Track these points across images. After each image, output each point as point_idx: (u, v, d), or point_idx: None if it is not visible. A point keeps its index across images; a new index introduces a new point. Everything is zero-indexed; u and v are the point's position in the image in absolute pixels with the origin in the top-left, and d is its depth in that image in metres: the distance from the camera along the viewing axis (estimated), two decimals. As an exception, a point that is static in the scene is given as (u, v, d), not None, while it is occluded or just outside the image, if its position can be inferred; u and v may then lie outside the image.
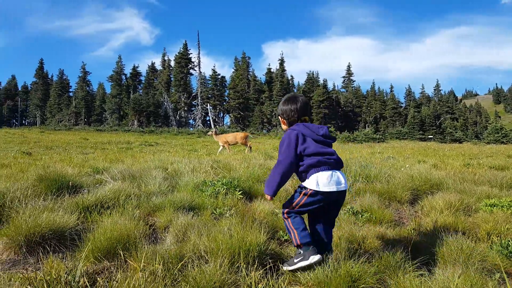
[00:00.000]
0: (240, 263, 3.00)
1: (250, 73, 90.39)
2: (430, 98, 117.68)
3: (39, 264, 3.20)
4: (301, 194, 3.05)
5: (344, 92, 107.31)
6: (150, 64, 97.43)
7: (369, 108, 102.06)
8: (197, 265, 2.94)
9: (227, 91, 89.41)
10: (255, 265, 3.01)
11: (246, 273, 2.88)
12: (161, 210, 4.53)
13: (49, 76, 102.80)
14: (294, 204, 3.08)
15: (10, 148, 16.73)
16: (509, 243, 3.66)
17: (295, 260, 3.02)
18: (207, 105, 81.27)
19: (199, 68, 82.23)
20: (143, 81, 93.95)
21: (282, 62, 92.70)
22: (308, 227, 3.18)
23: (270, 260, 3.20)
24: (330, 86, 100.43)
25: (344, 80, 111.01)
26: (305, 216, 3.27)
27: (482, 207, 5.27)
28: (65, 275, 2.67)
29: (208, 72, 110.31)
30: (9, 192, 4.56)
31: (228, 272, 2.88)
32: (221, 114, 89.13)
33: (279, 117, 3.33)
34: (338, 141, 43.78)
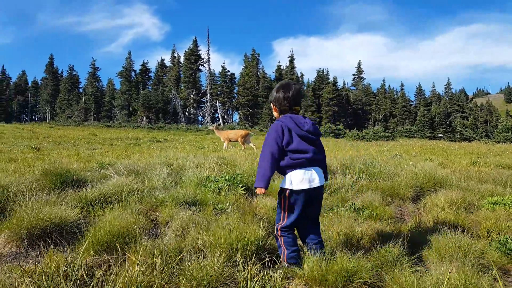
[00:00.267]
0: (238, 257, 3.03)
1: (260, 70, 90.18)
2: (440, 97, 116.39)
3: (40, 257, 3.26)
4: (282, 200, 3.13)
5: (354, 90, 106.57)
6: (159, 60, 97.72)
7: (379, 106, 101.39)
8: (195, 259, 2.96)
9: (236, 88, 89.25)
10: (253, 259, 3.02)
11: (243, 267, 2.91)
12: (163, 205, 4.58)
13: (59, 72, 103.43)
14: (282, 214, 3.14)
15: (19, 143, 16.90)
16: (508, 240, 3.65)
17: (281, 267, 3.13)
18: (216, 102, 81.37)
19: (209, 64, 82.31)
20: (153, 78, 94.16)
21: (292, 59, 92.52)
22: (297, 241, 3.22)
23: (267, 255, 3.23)
24: (340, 83, 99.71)
25: (354, 77, 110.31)
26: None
27: (485, 205, 5.27)
28: (64, 268, 2.72)
29: (217, 69, 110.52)
30: (14, 186, 4.65)
31: (225, 266, 2.91)
32: (230, 111, 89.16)
33: (271, 104, 3.34)
34: (346, 139, 43.68)
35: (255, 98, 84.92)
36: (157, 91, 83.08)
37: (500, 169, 9.79)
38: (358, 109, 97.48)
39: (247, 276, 2.79)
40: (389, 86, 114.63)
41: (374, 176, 6.88)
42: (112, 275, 2.65)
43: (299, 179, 3.03)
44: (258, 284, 2.73)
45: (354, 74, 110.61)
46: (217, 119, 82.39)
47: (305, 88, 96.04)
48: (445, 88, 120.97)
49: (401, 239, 3.90)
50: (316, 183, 3.08)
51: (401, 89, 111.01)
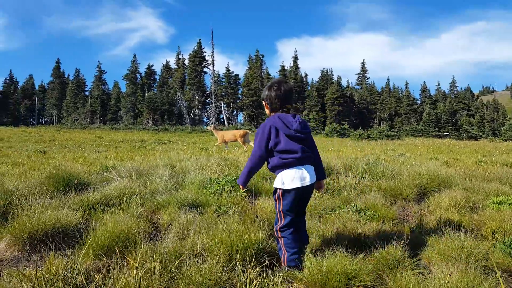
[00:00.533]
0: (237, 261, 3.01)
1: (264, 70, 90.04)
2: (446, 95, 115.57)
3: (41, 261, 3.26)
4: (277, 200, 3.18)
5: (358, 89, 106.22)
6: (164, 62, 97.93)
7: (383, 105, 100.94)
8: (194, 263, 2.95)
9: (241, 89, 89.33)
10: (252, 263, 3.01)
11: (243, 271, 2.90)
12: (165, 207, 4.57)
13: (66, 75, 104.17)
14: (279, 214, 3.19)
15: (26, 146, 17.01)
16: (512, 241, 3.60)
17: (281, 270, 3.15)
18: (220, 103, 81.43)
19: (213, 66, 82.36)
20: (158, 80, 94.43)
21: (295, 59, 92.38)
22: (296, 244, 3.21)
23: (267, 258, 3.21)
24: (344, 83, 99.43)
25: (359, 77, 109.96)
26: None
27: (490, 205, 5.20)
28: (64, 272, 2.72)
29: (222, 70, 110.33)
30: (17, 190, 4.66)
31: (224, 269, 2.90)
32: (235, 112, 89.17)
33: (262, 101, 3.38)
34: (351, 138, 43.54)
35: (259, 98, 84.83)
36: (162, 93, 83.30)
37: (507, 167, 9.72)
38: (363, 108, 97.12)
39: (246, 280, 2.77)
40: (393, 85, 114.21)
41: (377, 176, 6.83)
42: (110, 279, 2.65)
43: (290, 178, 3.06)
44: (257, 288, 2.72)
45: (358, 74, 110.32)
46: (221, 120, 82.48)
47: (309, 88, 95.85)
48: (450, 86, 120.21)
49: (403, 241, 3.87)
50: (308, 181, 3.10)
51: (406, 87, 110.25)
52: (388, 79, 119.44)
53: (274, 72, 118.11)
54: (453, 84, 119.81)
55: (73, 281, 2.67)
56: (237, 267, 2.95)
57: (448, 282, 2.71)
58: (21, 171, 6.89)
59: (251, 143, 16.62)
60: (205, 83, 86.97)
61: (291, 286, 2.97)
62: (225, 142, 16.84)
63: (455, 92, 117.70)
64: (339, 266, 2.89)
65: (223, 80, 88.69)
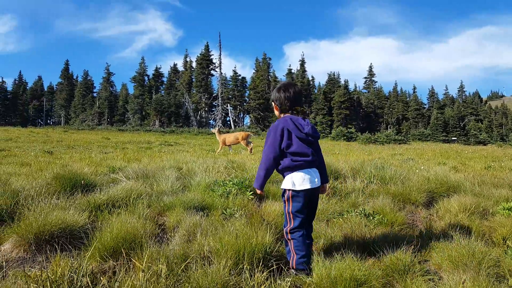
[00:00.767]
0: (244, 265, 2.97)
1: (271, 74, 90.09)
2: (454, 99, 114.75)
3: (47, 262, 3.24)
4: (286, 201, 3.19)
5: (365, 93, 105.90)
6: (172, 65, 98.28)
7: (391, 109, 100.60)
8: (200, 266, 2.92)
9: (248, 91, 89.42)
10: (260, 267, 2.97)
11: (250, 275, 2.86)
12: (171, 209, 4.54)
13: (74, 77, 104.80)
14: (288, 216, 3.18)
15: (33, 147, 17.10)
16: (524, 248, 3.53)
17: (289, 275, 3.12)
18: (227, 106, 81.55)
19: (220, 69, 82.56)
20: (165, 82, 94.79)
21: (303, 62, 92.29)
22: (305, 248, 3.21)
23: (275, 262, 3.16)
24: (351, 87, 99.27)
25: (366, 80, 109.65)
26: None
27: (500, 211, 5.12)
28: (69, 274, 2.70)
29: (229, 73, 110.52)
30: (24, 190, 4.65)
31: (231, 273, 2.86)
32: (241, 115, 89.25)
33: (272, 102, 3.43)
34: (358, 142, 43.40)
35: (266, 101, 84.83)
36: (169, 95, 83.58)
37: None
38: (370, 112, 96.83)
39: (253, 285, 2.74)
40: (401, 89, 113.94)
41: (385, 181, 6.75)
42: (117, 282, 2.62)
43: (301, 180, 3.10)
44: (264, 292, 2.68)
45: (365, 77, 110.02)
46: (228, 122, 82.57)
47: (316, 91, 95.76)
48: (458, 90, 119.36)
49: (412, 246, 3.82)
50: (317, 183, 3.18)
51: (414, 92, 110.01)
52: (395, 83, 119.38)
53: (281, 75, 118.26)
54: (461, 88, 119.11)
55: (79, 283, 2.64)
56: (245, 271, 2.91)
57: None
58: (28, 171, 6.91)
59: (249, 147, 16.57)
60: (212, 86, 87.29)
61: (299, 291, 2.92)
62: (228, 145, 16.80)
63: (463, 96, 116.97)
64: (348, 271, 2.84)
65: (230, 82, 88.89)
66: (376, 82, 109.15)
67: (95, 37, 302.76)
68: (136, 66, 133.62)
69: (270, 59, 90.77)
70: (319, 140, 3.37)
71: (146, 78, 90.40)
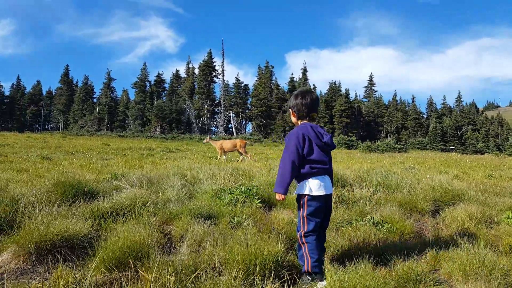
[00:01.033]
0: (256, 275, 2.85)
1: (273, 81, 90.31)
2: (451, 109, 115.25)
3: (48, 273, 3.09)
4: (302, 206, 3.22)
5: (366, 102, 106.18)
6: (174, 71, 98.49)
7: (390, 118, 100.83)
8: (210, 277, 2.81)
9: (250, 99, 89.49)
10: (271, 278, 2.89)
11: (262, 286, 2.74)
12: (177, 218, 4.40)
13: (74, 82, 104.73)
14: (302, 220, 3.20)
15: (31, 153, 16.90)
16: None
17: (303, 283, 3.13)
18: (229, 113, 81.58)
19: (223, 76, 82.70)
20: (167, 88, 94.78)
21: (305, 71, 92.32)
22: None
23: (287, 272, 3.08)
24: (352, 95, 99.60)
25: (366, 90, 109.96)
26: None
27: (504, 219, 5.11)
28: (73, 286, 2.55)
29: (231, 80, 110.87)
30: (24, 197, 4.49)
31: (242, 284, 2.74)
32: (244, 122, 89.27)
33: (289, 109, 3.48)
34: (359, 150, 43.40)
35: (268, 109, 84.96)
36: (171, 101, 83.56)
37: None
38: (370, 120, 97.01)
39: (266, 297, 2.60)
40: (400, 98, 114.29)
41: (391, 189, 6.72)
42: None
43: (317, 186, 3.16)
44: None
45: (366, 86, 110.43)
46: (230, 129, 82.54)
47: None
48: (456, 100, 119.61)
49: (423, 256, 3.80)
50: (331, 190, 3.29)
51: (413, 101, 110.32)
52: (395, 93, 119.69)
53: (283, 83, 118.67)
54: (458, 98, 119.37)
55: (83, 297, 2.49)
56: (256, 282, 2.83)
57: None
58: (26, 178, 6.76)
59: (248, 155, 16.41)
60: (215, 93, 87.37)
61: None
62: (224, 152, 16.62)
63: (461, 106, 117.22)
64: (361, 281, 2.77)
65: (233, 90, 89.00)
66: (376, 91, 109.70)
67: (96, 42, 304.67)
68: (137, 72, 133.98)
69: (272, 67, 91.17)
70: None
71: (147, 84, 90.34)
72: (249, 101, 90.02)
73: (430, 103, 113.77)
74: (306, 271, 3.11)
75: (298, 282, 3.08)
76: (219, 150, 16.57)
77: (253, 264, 2.97)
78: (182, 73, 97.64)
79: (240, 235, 3.75)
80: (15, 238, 3.40)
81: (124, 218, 4.20)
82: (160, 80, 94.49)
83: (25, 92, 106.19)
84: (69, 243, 3.42)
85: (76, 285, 2.59)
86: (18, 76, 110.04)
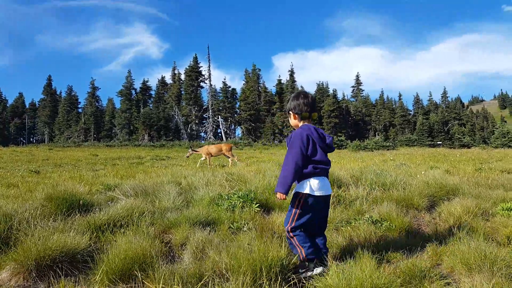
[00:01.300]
0: (263, 280, 2.82)
1: (261, 84, 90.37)
2: (437, 105, 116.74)
3: (50, 289, 3.03)
4: (297, 202, 3.23)
5: (353, 101, 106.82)
6: (160, 78, 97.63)
7: (378, 116, 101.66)
8: (217, 284, 2.79)
9: (238, 103, 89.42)
10: (278, 281, 2.87)
11: (270, 291, 2.72)
12: (176, 226, 4.36)
13: (58, 93, 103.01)
14: (292, 216, 3.23)
15: (18, 167, 16.61)
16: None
17: (301, 270, 3.21)
18: (218, 118, 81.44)
19: (210, 81, 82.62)
20: (153, 95, 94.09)
21: (292, 73, 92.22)
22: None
23: (294, 275, 3.07)
24: (339, 95, 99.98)
25: (353, 89, 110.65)
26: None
27: (499, 211, 5.24)
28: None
29: (218, 85, 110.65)
30: (17, 213, 4.39)
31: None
32: (233, 126, 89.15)
33: (290, 112, 3.46)
34: (348, 149, 43.70)
35: (257, 112, 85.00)
36: (158, 108, 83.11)
37: (506, 174, 10.07)
38: (358, 120, 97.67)
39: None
40: (387, 96, 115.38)
41: (386, 187, 6.79)
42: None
43: (318, 186, 3.19)
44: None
45: (353, 86, 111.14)
46: (219, 134, 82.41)
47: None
48: (441, 96, 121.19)
49: (424, 251, 3.87)
50: (330, 191, 3.33)
51: (399, 99, 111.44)
52: (382, 91, 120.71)
53: (271, 85, 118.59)
54: (444, 94, 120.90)
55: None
56: (264, 286, 2.81)
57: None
58: (16, 193, 6.66)
59: (235, 158, 16.35)
60: (202, 98, 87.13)
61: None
62: (211, 156, 16.50)
63: (446, 102, 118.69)
64: (368, 280, 2.75)
65: (220, 94, 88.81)
66: (364, 90, 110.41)
67: (78, 51, 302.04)
68: (122, 80, 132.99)
69: (259, 70, 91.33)
70: None
71: (133, 91, 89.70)
72: (237, 105, 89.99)
73: (417, 100, 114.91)
74: (302, 259, 3.19)
75: (306, 285, 3.05)
76: (206, 156, 16.44)
77: (259, 269, 2.93)
78: (168, 79, 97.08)
79: (242, 240, 3.74)
80: (13, 255, 3.31)
81: (122, 230, 4.14)
82: (145, 87, 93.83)
83: (7, 105, 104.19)
84: (69, 257, 3.35)
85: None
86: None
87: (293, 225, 3.21)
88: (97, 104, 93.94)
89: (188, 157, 17.30)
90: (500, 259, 3.23)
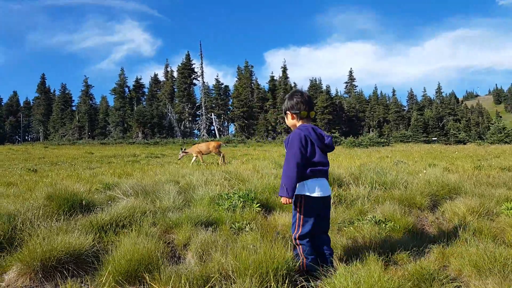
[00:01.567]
0: (271, 283, 2.83)
1: (253, 81, 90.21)
2: (432, 101, 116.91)
3: (56, 290, 3.06)
4: (298, 207, 3.21)
5: (347, 97, 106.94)
6: (152, 75, 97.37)
7: (372, 112, 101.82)
8: (224, 286, 2.81)
9: (231, 100, 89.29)
10: (286, 284, 2.86)
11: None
12: (178, 226, 4.37)
13: (51, 91, 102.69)
14: (297, 222, 3.21)
15: (15, 165, 16.59)
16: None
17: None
18: (211, 115, 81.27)
19: (202, 78, 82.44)
20: (146, 93, 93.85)
21: (285, 69, 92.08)
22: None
23: (302, 278, 3.07)
24: (333, 92, 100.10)
25: (347, 85, 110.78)
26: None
27: (504, 211, 5.12)
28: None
29: (211, 82, 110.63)
30: (20, 213, 4.40)
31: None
32: (226, 123, 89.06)
33: (287, 112, 3.40)
34: (343, 146, 43.68)
35: (250, 109, 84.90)
36: (151, 106, 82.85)
37: (507, 171, 9.86)
38: (352, 116, 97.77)
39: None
40: (381, 92, 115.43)
41: (387, 186, 6.71)
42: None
43: (316, 187, 3.16)
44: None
45: (346, 82, 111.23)
46: (212, 131, 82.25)
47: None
48: (436, 92, 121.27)
49: (430, 253, 3.80)
50: (329, 192, 3.28)
51: (393, 94, 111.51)
52: (375, 87, 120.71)
53: (264, 82, 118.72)
54: (438, 90, 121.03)
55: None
56: None
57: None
58: (16, 192, 6.64)
59: (221, 156, 16.33)
60: (195, 95, 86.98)
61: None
62: (202, 155, 16.46)
63: (441, 97, 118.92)
64: (377, 284, 2.73)
65: (213, 91, 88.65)
66: (357, 86, 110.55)
67: (71, 49, 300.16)
68: (115, 78, 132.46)
69: (252, 66, 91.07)
70: None
71: (126, 89, 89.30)
72: (230, 102, 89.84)
73: (411, 96, 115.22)
74: (301, 269, 3.17)
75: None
76: (198, 154, 16.40)
77: (265, 272, 2.92)
78: (161, 77, 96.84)
79: (245, 241, 3.74)
80: (19, 256, 3.33)
81: (125, 230, 4.16)
82: (139, 85, 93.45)
83: (2, 103, 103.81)
84: (74, 258, 3.36)
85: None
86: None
87: (299, 232, 3.19)
88: (90, 102, 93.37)
89: (181, 158, 17.14)
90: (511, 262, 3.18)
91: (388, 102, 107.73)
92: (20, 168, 14.33)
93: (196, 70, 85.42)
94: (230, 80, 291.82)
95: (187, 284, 2.76)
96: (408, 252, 3.75)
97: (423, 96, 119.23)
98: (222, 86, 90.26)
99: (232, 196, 5.36)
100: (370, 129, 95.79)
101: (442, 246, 3.91)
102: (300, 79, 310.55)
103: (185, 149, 17.16)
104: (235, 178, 7.04)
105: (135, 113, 76.78)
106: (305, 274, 3.12)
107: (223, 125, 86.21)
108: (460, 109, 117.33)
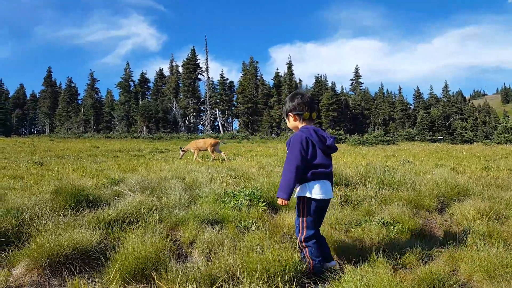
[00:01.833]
0: (278, 285, 2.81)
1: (258, 77, 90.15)
2: (438, 99, 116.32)
3: (63, 286, 3.05)
4: (301, 209, 3.19)
5: (352, 94, 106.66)
6: (158, 70, 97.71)
7: (378, 110, 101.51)
8: (232, 286, 2.80)
9: (236, 95, 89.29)
10: (293, 286, 2.84)
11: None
12: (184, 224, 4.37)
13: (58, 84, 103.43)
14: (301, 225, 3.19)
15: (21, 158, 16.65)
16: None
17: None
18: (215, 110, 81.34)
19: (207, 73, 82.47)
20: (152, 88, 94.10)
21: (290, 65, 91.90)
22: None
23: (310, 280, 3.03)
24: (338, 89, 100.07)
25: (352, 82, 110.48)
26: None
27: None
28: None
29: (216, 77, 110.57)
30: (27, 208, 4.41)
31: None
32: (230, 119, 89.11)
33: (289, 114, 3.37)
34: (348, 144, 43.53)
35: (254, 105, 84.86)
36: (156, 100, 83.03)
37: None
38: (357, 113, 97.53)
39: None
40: (387, 90, 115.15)
41: (394, 186, 6.64)
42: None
43: (318, 190, 3.12)
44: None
45: (352, 79, 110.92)
46: (216, 127, 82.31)
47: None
48: (443, 90, 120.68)
49: (440, 256, 3.73)
50: (331, 194, 3.24)
51: (399, 92, 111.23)
52: (381, 85, 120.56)
53: (269, 78, 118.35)
54: (445, 88, 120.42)
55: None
56: None
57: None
58: (23, 185, 6.65)
59: (222, 153, 16.26)
60: (200, 90, 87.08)
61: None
62: (199, 151, 16.40)
63: (448, 96, 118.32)
64: None
65: (218, 87, 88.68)
66: (363, 83, 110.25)
67: (77, 43, 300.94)
68: (120, 72, 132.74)
69: (257, 62, 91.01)
70: None
71: (131, 84, 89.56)
72: (234, 98, 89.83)
73: (417, 94, 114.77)
74: (309, 272, 3.12)
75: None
76: (194, 150, 16.34)
77: (273, 273, 2.89)
78: (166, 72, 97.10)
79: (251, 240, 3.73)
80: (27, 251, 3.34)
81: (132, 226, 4.16)
82: (144, 80, 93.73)
83: (9, 96, 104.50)
84: (81, 254, 3.36)
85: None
86: (1, 80, 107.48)
87: (304, 235, 3.16)
88: (96, 96, 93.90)
89: (181, 158, 17.04)
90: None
91: (394, 100, 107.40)
92: (26, 161, 14.36)
93: (201, 65, 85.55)
94: (235, 76, 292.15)
95: (195, 283, 2.75)
96: (417, 255, 3.69)
97: (429, 94, 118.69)
98: (227, 81, 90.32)
99: (238, 194, 5.35)
100: (376, 127, 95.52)
101: (451, 249, 3.86)
102: (305, 75, 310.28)
103: (183, 148, 17.13)
104: (240, 176, 7.02)
105: (140, 108, 76.93)
106: (313, 276, 3.08)
107: (227, 121, 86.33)
108: (467, 108, 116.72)
